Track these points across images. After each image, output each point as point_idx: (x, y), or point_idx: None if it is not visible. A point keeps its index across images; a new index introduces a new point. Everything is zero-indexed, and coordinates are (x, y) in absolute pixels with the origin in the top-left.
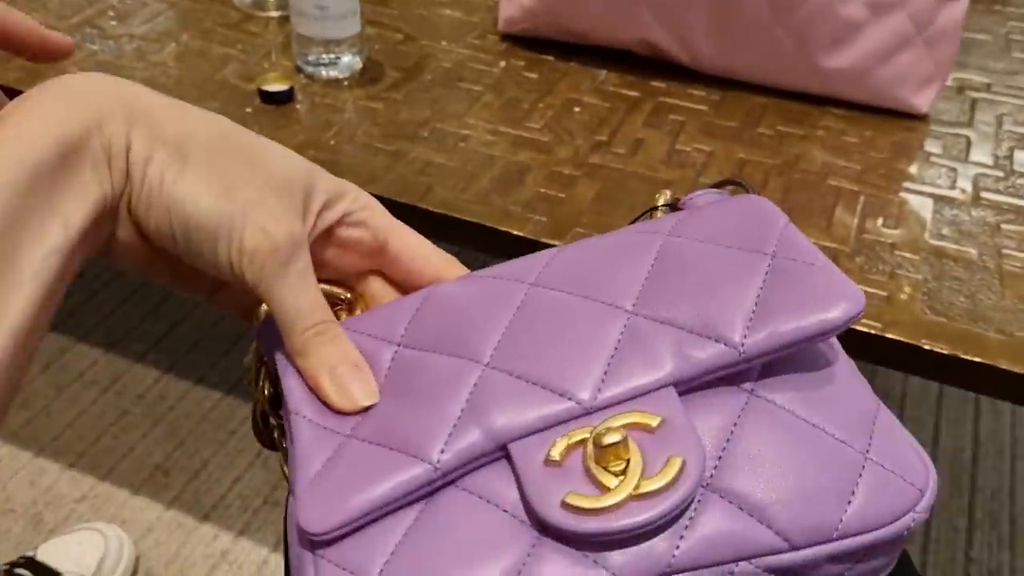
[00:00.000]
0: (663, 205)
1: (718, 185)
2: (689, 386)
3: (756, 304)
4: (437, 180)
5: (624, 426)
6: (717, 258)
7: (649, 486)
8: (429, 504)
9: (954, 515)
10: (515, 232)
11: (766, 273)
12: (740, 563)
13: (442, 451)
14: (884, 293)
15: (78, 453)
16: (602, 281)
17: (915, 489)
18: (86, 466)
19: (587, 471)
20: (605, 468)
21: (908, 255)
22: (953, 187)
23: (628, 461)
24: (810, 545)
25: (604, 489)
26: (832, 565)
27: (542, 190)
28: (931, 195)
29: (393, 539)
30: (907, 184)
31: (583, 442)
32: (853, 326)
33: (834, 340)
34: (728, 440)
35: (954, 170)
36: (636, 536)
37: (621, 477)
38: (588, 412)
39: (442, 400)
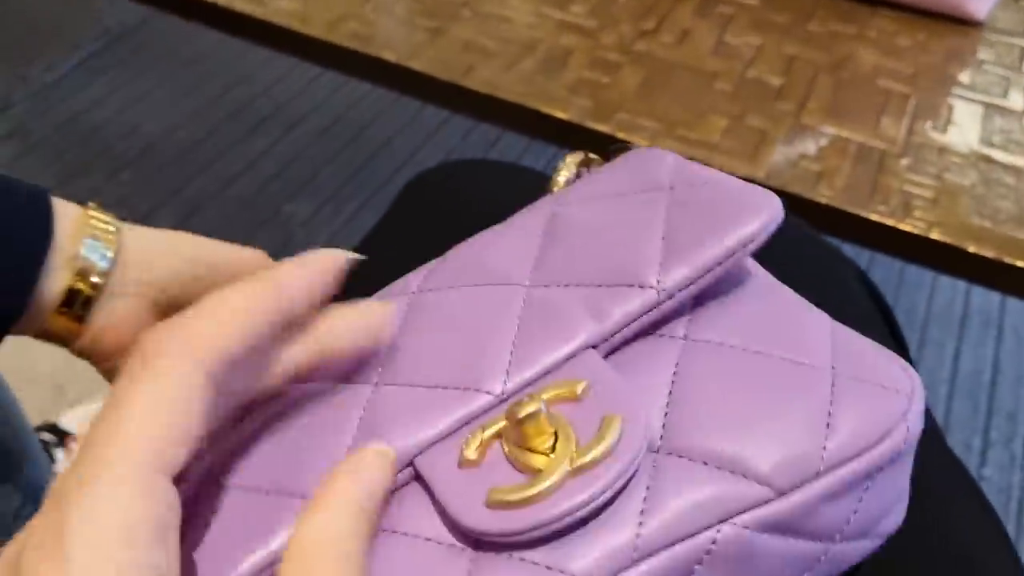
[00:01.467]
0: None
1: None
2: (613, 345)
3: (664, 238)
4: (479, 60)
5: (543, 401)
6: (611, 210)
7: (587, 455)
8: None
9: (969, 435)
10: (558, 115)
11: (668, 207)
12: (721, 526)
13: None
14: (930, 195)
15: None
16: (490, 267)
17: (900, 395)
18: None
19: (511, 459)
20: (531, 449)
21: (956, 160)
22: (1005, 96)
23: (556, 434)
24: (797, 487)
25: (534, 472)
26: (831, 507)
27: (586, 75)
28: (982, 103)
29: None
30: (958, 91)
31: (500, 431)
32: (898, 225)
33: (761, 270)
34: (671, 394)
35: (1007, 79)
36: (585, 521)
37: (551, 454)
38: (502, 401)
39: (327, 433)
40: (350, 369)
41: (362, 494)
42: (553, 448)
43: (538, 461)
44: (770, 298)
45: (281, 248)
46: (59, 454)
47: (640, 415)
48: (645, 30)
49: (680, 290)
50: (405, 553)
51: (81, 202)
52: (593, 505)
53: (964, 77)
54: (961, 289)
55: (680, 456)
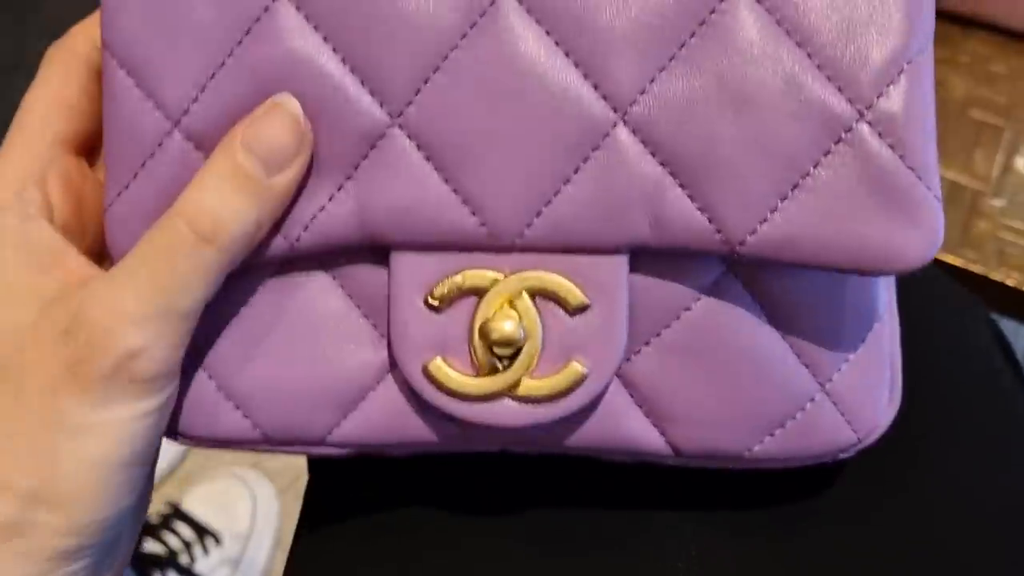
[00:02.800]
0: None
1: None
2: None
3: (796, 187)
4: None
5: (537, 290)
6: (777, 74)
7: (532, 389)
8: (277, 275)
9: None
10: None
11: (838, 141)
12: (615, 452)
13: (305, 227)
14: None
15: None
16: (602, 40)
17: (855, 437)
18: None
19: (468, 339)
20: (489, 348)
21: None
22: None
23: (520, 348)
24: (699, 461)
25: (480, 371)
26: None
27: None
28: None
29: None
30: None
31: (478, 292)
32: (989, 275)
33: None
34: (667, 327)
35: None
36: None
37: (504, 364)
38: (501, 249)
39: (324, 144)
40: (388, 55)
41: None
42: (510, 359)
43: (486, 362)
44: (841, 283)
45: None
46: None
47: (606, 377)
48: None
49: (757, 260)
50: (336, 309)
51: None
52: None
53: None
54: None
55: (626, 387)
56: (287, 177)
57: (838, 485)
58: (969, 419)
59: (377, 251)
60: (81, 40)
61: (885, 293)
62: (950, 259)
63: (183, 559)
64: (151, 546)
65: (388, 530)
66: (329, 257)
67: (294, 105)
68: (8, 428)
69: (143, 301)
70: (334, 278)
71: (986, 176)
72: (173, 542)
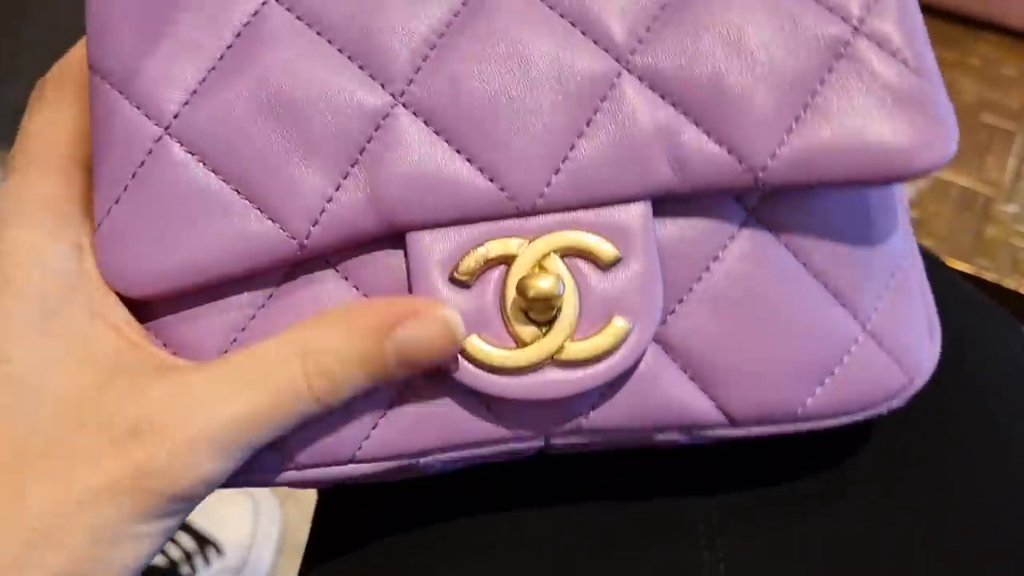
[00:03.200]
0: None
1: None
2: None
3: (807, 107)
4: None
5: (566, 249)
6: (770, 9)
7: (576, 352)
8: (286, 282)
9: None
10: None
11: (838, 57)
12: (664, 432)
13: (314, 222)
14: None
15: None
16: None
17: (905, 377)
18: None
19: (502, 311)
20: (526, 313)
21: None
22: None
23: (558, 310)
24: (755, 425)
25: (519, 343)
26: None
27: None
28: None
29: (235, 318)
30: None
31: (505, 261)
32: (1001, 282)
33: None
34: (699, 280)
35: None
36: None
37: (544, 329)
38: (523, 214)
39: (326, 131)
40: (382, 34)
41: (391, 347)
42: (550, 323)
43: (526, 332)
44: (863, 219)
45: None
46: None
47: (651, 329)
48: None
49: (781, 187)
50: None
51: None
52: (558, 398)
53: None
54: None
55: (666, 351)
56: (411, 372)
57: (866, 470)
58: (1004, 418)
59: (384, 240)
60: (77, 65)
61: (904, 232)
62: (963, 267)
63: (184, 570)
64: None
65: (400, 547)
66: (335, 255)
67: (458, 326)
68: (46, 517)
69: (235, 432)
70: (345, 278)
71: (998, 182)
72: (174, 552)
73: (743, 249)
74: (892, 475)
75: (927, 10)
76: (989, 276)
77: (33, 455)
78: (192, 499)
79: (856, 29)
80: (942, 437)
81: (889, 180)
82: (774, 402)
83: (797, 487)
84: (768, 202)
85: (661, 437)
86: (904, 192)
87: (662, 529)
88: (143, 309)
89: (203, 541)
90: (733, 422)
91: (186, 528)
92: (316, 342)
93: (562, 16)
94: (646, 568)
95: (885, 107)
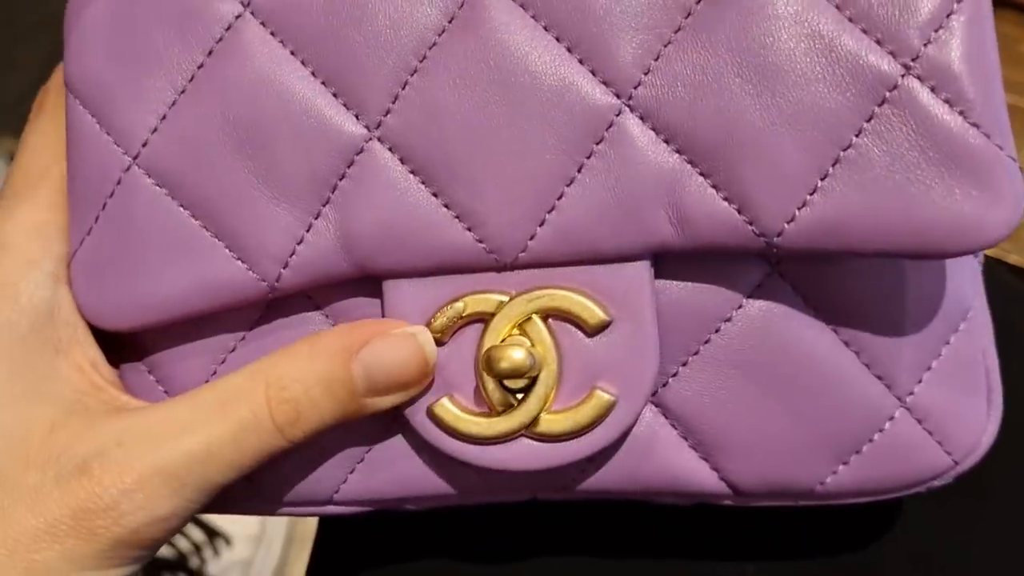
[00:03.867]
0: None
1: None
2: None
3: (836, 162)
4: None
5: (548, 311)
6: (803, 35)
7: (552, 425)
8: (266, 316)
9: None
10: None
11: (882, 102)
12: (662, 497)
13: (284, 265)
14: None
15: None
16: (597, 19)
17: (948, 459)
18: None
19: (476, 373)
20: (500, 381)
21: None
22: None
23: (536, 379)
24: (764, 499)
25: (492, 409)
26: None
27: None
28: None
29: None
30: None
31: (483, 317)
32: (1020, 264)
33: None
34: (706, 343)
35: None
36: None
37: (519, 397)
38: (504, 267)
39: (296, 167)
40: (359, 61)
41: (360, 368)
42: (525, 391)
43: (500, 399)
44: (914, 274)
45: None
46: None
47: (638, 402)
48: None
49: (800, 253)
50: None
51: None
52: (533, 471)
53: None
54: None
55: (667, 417)
56: (384, 403)
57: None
58: None
59: (370, 282)
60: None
61: (970, 285)
62: (997, 255)
63: (193, 562)
64: (160, 549)
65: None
66: (319, 292)
67: (429, 344)
68: None
69: (188, 467)
70: (327, 316)
71: (1019, 164)
72: (183, 544)
73: (760, 309)
74: (930, 540)
75: None
76: (1012, 259)
77: None
78: (145, 544)
79: (908, 68)
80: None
81: (933, 257)
82: (786, 477)
83: (840, 551)
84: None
85: (658, 500)
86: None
87: None
88: (136, 340)
89: (212, 533)
90: (738, 494)
91: (195, 520)
92: (280, 368)
93: (559, 40)
94: None
95: (934, 166)
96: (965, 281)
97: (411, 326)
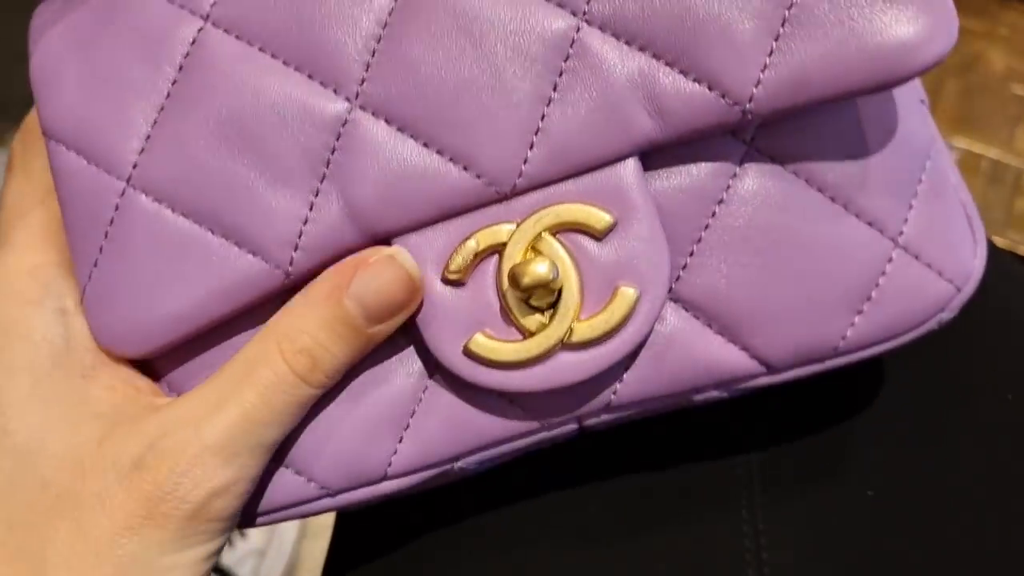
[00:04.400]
0: None
1: None
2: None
3: (784, 21)
4: None
5: (558, 226)
6: None
7: (587, 332)
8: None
9: None
10: None
11: None
12: (701, 392)
13: (295, 247)
14: None
15: None
16: None
17: (950, 287)
18: None
19: (501, 302)
20: (526, 301)
21: None
22: None
23: (559, 291)
24: (795, 367)
25: (525, 333)
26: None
27: None
28: None
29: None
30: None
31: (497, 249)
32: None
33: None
34: (706, 228)
35: None
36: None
37: (548, 313)
38: (504, 197)
39: (287, 150)
40: (327, 38)
41: (352, 302)
42: (553, 306)
43: (530, 321)
44: (874, 121)
45: None
46: None
47: (663, 291)
48: None
49: (772, 115)
50: None
51: None
52: (577, 382)
53: None
54: None
55: (686, 308)
56: (388, 327)
57: (900, 438)
58: None
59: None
60: (34, 130)
61: (924, 125)
62: (996, 240)
63: None
64: None
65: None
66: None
67: (409, 261)
68: (72, 569)
69: (232, 436)
70: None
71: None
72: None
73: (748, 185)
74: (932, 442)
75: None
76: (1023, 250)
77: (44, 513)
78: (218, 515)
79: None
80: (978, 406)
81: (890, 84)
82: (811, 339)
83: (835, 448)
84: (766, 130)
85: (699, 397)
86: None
87: (699, 498)
88: (157, 362)
89: None
90: (771, 368)
91: None
92: (285, 325)
93: None
94: (683, 541)
95: (872, 1)
96: (919, 122)
97: (387, 248)
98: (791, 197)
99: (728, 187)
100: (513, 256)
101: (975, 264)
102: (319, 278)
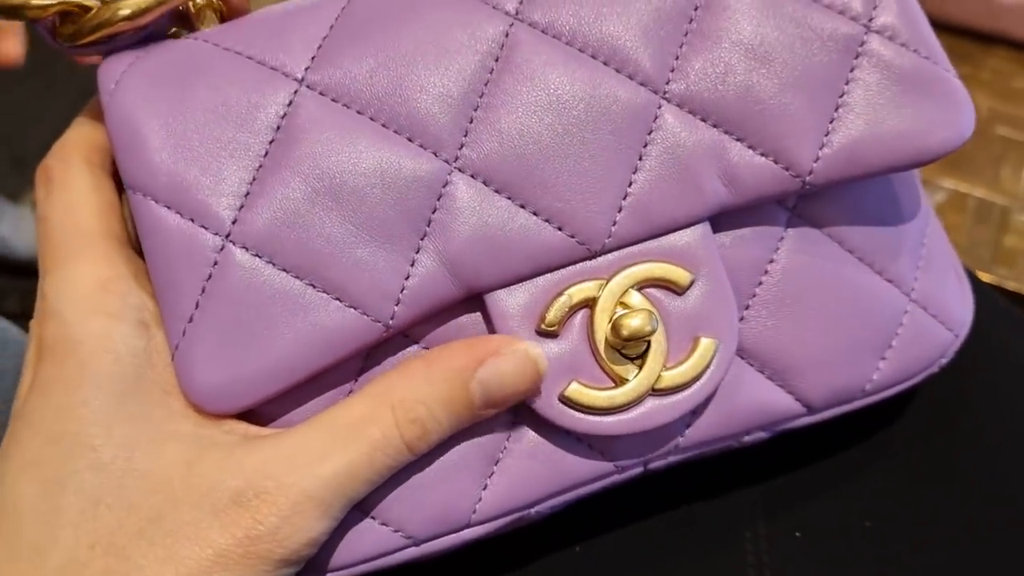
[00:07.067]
0: None
1: None
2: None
3: (838, 107)
4: None
5: (644, 282)
6: (785, 20)
7: (674, 379)
8: (367, 367)
9: None
10: None
11: (857, 56)
12: (751, 433)
13: (397, 302)
14: None
15: None
16: (620, 34)
17: (951, 334)
18: None
19: (594, 353)
20: (619, 351)
21: None
22: None
23: (649, 343)
24: (831, 407)
25: (617, 381)
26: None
27: None
28: None
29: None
30: None
31: (586, 304)
32: (1019, 290)
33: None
34: (759, 284)
35: None
36: None
37: (639, 363)
38: (593, 255)
39: (388, 209)
40: (426, 103)
41: (478, 389)
42: (642, 356)
43: (624, 370)
44: (891, 197)
45: None
46: None
47: (733, 340)
48: None
49: (826, 185)
50: None
51: None
52: (661, 425)
53: None
54: None
55: (743, 357)
56: (500, 410)
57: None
58: None
59: (461, 306)
60: (77, 145)
61: (921, 195)
62: (984, 277)
63: None
64: None
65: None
66: (415, 328)
67: (540, 357)
68: None
69: (333, 490)
70: (427, 348)
71: (1014, 192)
72: None
73: (792, 247)
74: (931, 474)
75: (938, 26)
76: (1010, 286)
77: (132, 536)
78: (301, 559)
79: (867, 27)
80: (968, 442)
81: (922, 162)
82: (846, 382)
83: (836, 480)
84: (807, 199)
85: (747, 438)
86: None
87: (703, 529)
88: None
89: None
90: (811, 409)
91: None
92: (404, 391)
93: (594, 57)
94: (687, 571)
95: (908, 95)
96: (919, 191)
97: (519, 341)
98: (828, 258)
99: (777, 248)
100: (606, 309)
101: (967, 313)
102: (445, 351)
